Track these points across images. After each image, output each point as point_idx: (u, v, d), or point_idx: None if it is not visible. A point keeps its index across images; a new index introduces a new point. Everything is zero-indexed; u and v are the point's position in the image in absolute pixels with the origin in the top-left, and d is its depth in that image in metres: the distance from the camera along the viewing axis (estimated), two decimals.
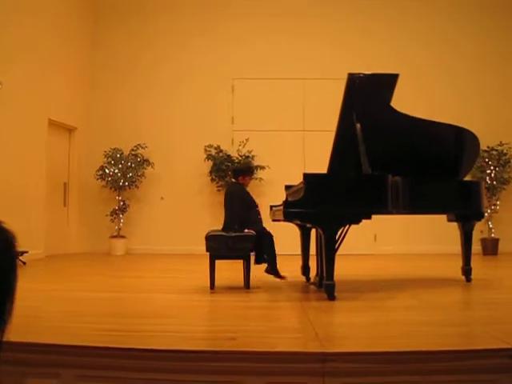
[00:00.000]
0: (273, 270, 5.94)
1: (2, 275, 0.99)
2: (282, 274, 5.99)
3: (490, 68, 10.93)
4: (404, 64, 10.19)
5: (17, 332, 3.28)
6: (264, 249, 5.84)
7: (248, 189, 6.27)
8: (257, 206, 6.17)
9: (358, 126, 5.35)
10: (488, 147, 10.27)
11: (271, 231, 6.00)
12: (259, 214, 6.11)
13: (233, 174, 6.43)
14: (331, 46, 10.91)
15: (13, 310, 1.06)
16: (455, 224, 6.15)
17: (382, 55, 10.53)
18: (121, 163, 10.46)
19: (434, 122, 5.90)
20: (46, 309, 4.51)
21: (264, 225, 6.07)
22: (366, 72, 5.40)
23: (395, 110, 5.56)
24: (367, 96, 5.38)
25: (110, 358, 3.01)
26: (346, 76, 5.35)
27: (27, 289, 5.67)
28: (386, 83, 5.43)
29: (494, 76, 10.92)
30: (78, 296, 5.24)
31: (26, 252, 7.96)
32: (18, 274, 1.06)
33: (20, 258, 7.80)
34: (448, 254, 8.87)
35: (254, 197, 6.34)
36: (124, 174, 10.46)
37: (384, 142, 5.51)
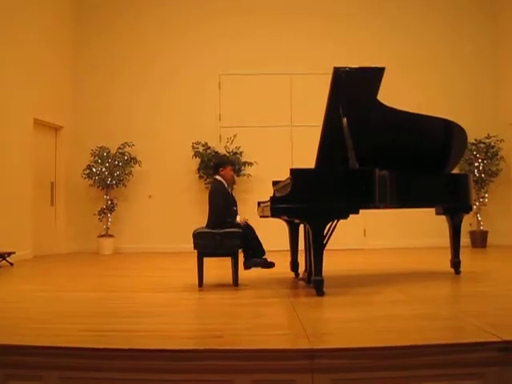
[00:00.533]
0: (262, 260, 5.83)
1: None
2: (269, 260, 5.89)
3: (478, 61, 10.94)
4: (392, 58, 10.18)
5: (2, 334, 3.24)
6: (252, 243, 5.76)
7: (236, 183, 6.17)
8: (235, 206, 6.09)
9: (345, 120, 5.32)
10: (476, 140, 10.29)
11: (255, 226, 5.95)
12: (236, 212, 6.01)
13: (214, 170, 6.34)
14: (318, 40, 10.87)
15: None
16: (444, 217, 6.16)
17: (369, 50, 10.51)
18: (108, 162, 10.39)
19: (421, 115, 5.89)
20: (33, 310, 4.45)
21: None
22: (352, 66, 5.36)
23: (382, 104, 5.54)
24: (353, 90, 5.34)
25: (95, 358, 2.97)
26: (331, 71, 5.32)
27: (14, 290, 5.63)
28: (372, 77, 5.40)
29: (482, 70, 10.94)
30: (65, 296, 5.19)
31: (13, 253, 7.89)
32: None
33: (7, 259, 7.73)
34: (437, 248, 8.91)
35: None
36: (111, 172, 10.39)
37: (371, 136, 5.49)
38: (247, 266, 5.76)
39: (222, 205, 5.87)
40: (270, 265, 5.80)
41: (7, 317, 3.91)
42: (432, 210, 6.25)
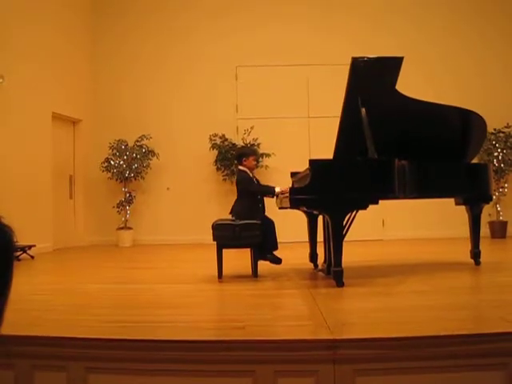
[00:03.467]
0: (272, 255, 5.84)
1: (2, 279, 0.96)
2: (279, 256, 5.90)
3: (493, 52, 10.81)
4: (407, 50, 10.08)
5: (26, 325, 3.28)
6: (268, 236, 5.76)
7: (255, 174, 6.17)
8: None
9: (363, 110, 5.29)
10: (495, 129, 10.18)
11: (274, 220, 5.95)
12: (261, 202, 6.02)
13: (237, 160, 6.34)
14: (335, 32, 10.81)
15: (6, 306, 1.04)
16: (463, 208, 6.11)
17: (384, 42, 10.38)
18: (126, 154, 10.44)
19: (440, 105, 5.84)
20: (55, 302, 4.50)
21: (266, 213, 6.01)
22: (371, 55, 5.33)
23: (401, 94, 5.50)
24: (372, 80, 5.31)
25: (119, 349, 3.00)
26: (349, 62, 5.29)
27: (36, 282, 5.69)
28: (390, 66, 5.37)
29: (501, 58, 10.80)
30: (86, 288, 5.24)
31: (34, 246, 7.97)
32: (13, 270, 1.03)
33: (28, 251, 7.81)
34: (456, 238, 8.84)
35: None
36: (129, 165, 10.44)
37: (390, 126, 5.46)
38: (262, 258, 5.78)
39: (257, 185, 5.95)
40: (278, 261, 5.83)
41: (30, 309, 3.95)
42: (451, 201, 6.20)
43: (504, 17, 10.89)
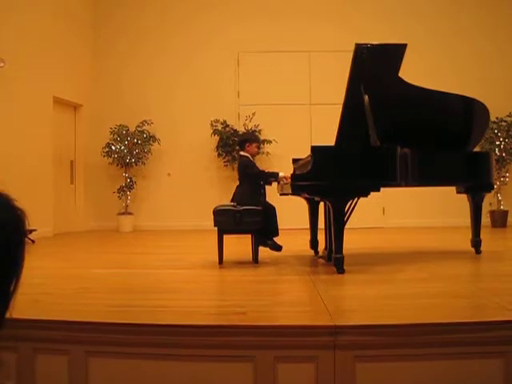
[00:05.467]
0: (272, 242, 5.85)
1: (11, 253, 0.97)
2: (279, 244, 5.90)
3: (493, 42, 10.75)
4: (419, 32, 10.10)
5: (27, 309, 3.29)
6: (269, 223, 5.75)
7: (255, 161, 6.15)
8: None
9: (366, 97, 5.28)
10: (497, 118, 10.15)
11: (276, 205, 5.94)
12: (263, 188, 6.00)
13: (239, 145, 6.32)
14: (337, 18, 10.75)
15: (18, 288, 1.05)
16: (464, 196, 6.09)
17: (393, 26, 10.32)
18: (127, 140, 10.43)
19: (444, 93, 5.81)
20: (56, 286, 4.51)
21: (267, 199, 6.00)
22: (374, 42, 5.31)
23: (404, 81, 5.47)
24: (375, 67, 5.29)
25: (119, 333, 3.00)
26: (351, 48, 5.26)
27: (36, 266, 5.69)
28: (394, 53, 5.34)
29: (502, 48, 10.75)
30: (87, 273, 5.25)
31: (35, 230, 7.97)
32: (25, 253, 1.04)
33: (29, 236, 7.81)
34: (456, 227, 8.85)
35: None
36: (130, 150, 10.43)
37: (392, 114, 5.44)
38: (262, 243, 5.78)
39: (259, 170, 5.93)
40: (278, 248, 5.81)
41: (31, 293, 3.95)
42: (451, 189, 6.19)
43: (503, 7, 10.80)
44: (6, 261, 0.95)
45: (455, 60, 10.67)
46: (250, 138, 6.28)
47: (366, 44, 5.23)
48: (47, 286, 4.45)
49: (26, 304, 3.44)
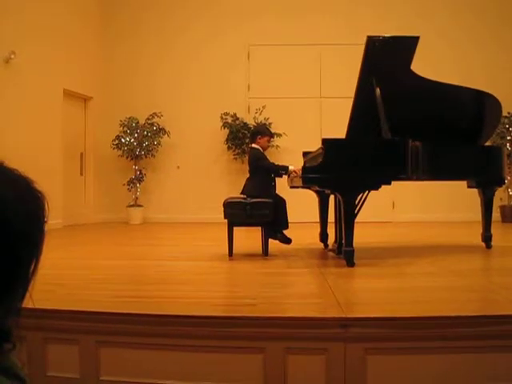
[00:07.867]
0: (282, 235, 5.84)
1: (32, 228, 0.98)
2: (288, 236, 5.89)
3: (502, 39, 10.67)
4: (429, 28, 9.98)
5: (38, 299, 3.30)
6: (279, 215, 5.73)
7: (266, 154, 6.12)
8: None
9: (378, 90, 5.24)
10: (508, 113, 10.07)
11: (286, 198, 5.92)
12: (273, 180, 5.99)
13: (251, 138, 6.29)
14: (348, 11, 10.68)
15: (35, 276, 1.05)
16: (474, 191, 6.04)
17: (404, 20, 10.22)
18: (137, 132, 10.44)
19: (456, 86, 5.76)
20: (66, 276, 4.52)
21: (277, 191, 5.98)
22: (386, 35, 5.27)
23: (416, 74, 5.42)
24: (387, 59, 5.25)
25: (130, 324, 3.01)
26: (361, 42, 5.23)
27: (46, 257, 5.69)
28: (406, 46, 5.30)
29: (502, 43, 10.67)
30: (96, 264, 5.26)
31: (45, 221, 7.99)
32: (45, 236, 1.04)
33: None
34: (467, 222, 8.81)
35: None
36: (140, 143, 10.44)
37: (404, 107, 5.40)
38: (272, 236, 5.76)
39: (270, 162, 5.91)
40: (288, 241, 5.80)
41: (42, 283, 3.93)
42: (462, 183, 6.14)
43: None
44: (26, 236, 0.95)
45: (460, 55, 10.56)
46: (262, 131, 6.26)
47: (378, 36, 5.19)
48: (58, 277, 4.46)
49: (37, 294, 3.45)
